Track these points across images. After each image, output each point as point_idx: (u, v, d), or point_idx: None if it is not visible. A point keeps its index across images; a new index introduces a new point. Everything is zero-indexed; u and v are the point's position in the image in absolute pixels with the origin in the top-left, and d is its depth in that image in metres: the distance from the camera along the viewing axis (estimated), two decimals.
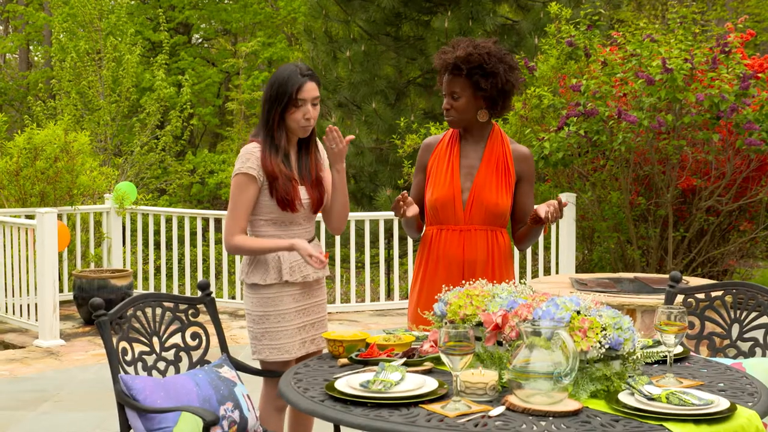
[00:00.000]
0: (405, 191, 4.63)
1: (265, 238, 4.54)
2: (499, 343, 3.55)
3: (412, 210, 4.60)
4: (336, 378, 3.55)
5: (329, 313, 9.28)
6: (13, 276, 10.11)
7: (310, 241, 4.67)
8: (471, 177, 4.68)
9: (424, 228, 4.88)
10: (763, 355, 4.63)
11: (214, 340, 4.52)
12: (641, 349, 3.65)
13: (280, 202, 4.49)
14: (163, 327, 4.37)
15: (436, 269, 4.74)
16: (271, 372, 4.58)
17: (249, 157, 4.51)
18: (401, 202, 4.53)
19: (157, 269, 11.90)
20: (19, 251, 9.92)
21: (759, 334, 4.69)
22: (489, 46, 4.60)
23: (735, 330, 4.78)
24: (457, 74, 4.59)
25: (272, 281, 4.55)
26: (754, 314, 4.70)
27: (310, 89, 4.49)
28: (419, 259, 4.86)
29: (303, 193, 4.56)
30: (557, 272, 10.83)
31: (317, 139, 4.72)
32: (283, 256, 4.56)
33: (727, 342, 4.82)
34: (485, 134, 4.74)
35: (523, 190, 4.77)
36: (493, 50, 4.59)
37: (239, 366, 4.46)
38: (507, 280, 4.08)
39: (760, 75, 9.69)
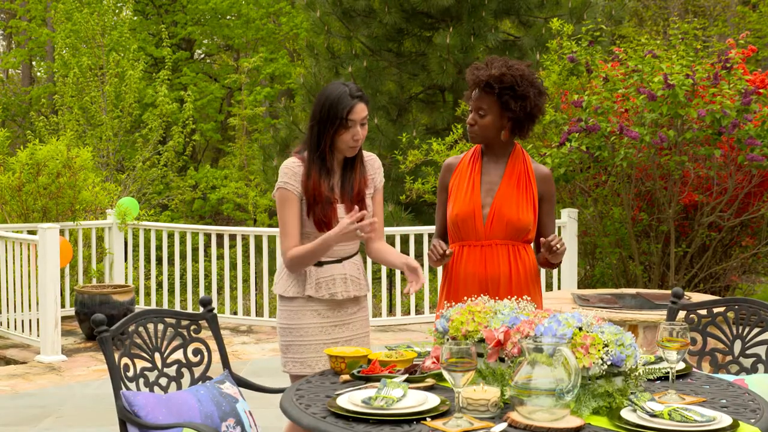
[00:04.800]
0: (448, 250, 4.62)
1: (309, 245, 4.47)
2: (501, 360, 3.54)
3: (446, 260, 4.67)
4: (338, 394, 3.54)
5: None
6: (15, 291, 10.10)
7: (347, 258, 4.64)
8: (492, 192, 4.67)
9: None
10: (766, 371, 4.62)
11: (216, 356, 4.51)
12: (643, 365, 3.65)
13: (317, 224, 4.47)
14: (164, 343, 4.36)
15: (458, 287, 4.71)
16: (274, 389, 4.56)
17: (287, 172, 4.50)
18: (440, 256, 4.61)
19: (159, 285, 11.91)
20: (21, 267, 9.92)
21: (761, 351, 4.68)
22: (522, 68, 4.61)
23: (737, 346, 4.77)
24: (488, 92, 4.58)
25: (294, 294, 4.53)
26: (756, 330, 4.69)
27: (360, 110, 4.45)
28: (443, 278, 4.84)
29: (341, 211, 4.51)
30: (559, 288, 10.84)
31: (363, 154, 4.67)
32: (311, 271, 4.53)
33: (729, 358, 4.82)
34: (507, 152, 4.74)
35: (544, 210, 4.76)
36: (526, 73, 4.60)
37: (241, 382, 4.45)
38: (530, 299, 4.03)
39: (761, 91, 9.70)
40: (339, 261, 4.58)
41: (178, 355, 4.42)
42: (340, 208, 4.52)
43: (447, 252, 4.58)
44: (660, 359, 3.96)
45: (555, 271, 11.05)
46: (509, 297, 4.16)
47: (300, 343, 4.53)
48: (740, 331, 4.73)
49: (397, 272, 11.16)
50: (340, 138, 4.45)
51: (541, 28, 14.28)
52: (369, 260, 11.18)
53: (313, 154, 4.50)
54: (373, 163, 4.70)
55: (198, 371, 4.46)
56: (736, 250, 10.96)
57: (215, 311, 4.64)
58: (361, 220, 4.36)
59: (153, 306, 11.54)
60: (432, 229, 10.79)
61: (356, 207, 4.48)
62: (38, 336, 9.55)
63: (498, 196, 4.64)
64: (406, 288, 4.33)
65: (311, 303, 4.54)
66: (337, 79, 14.94)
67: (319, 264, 4.53)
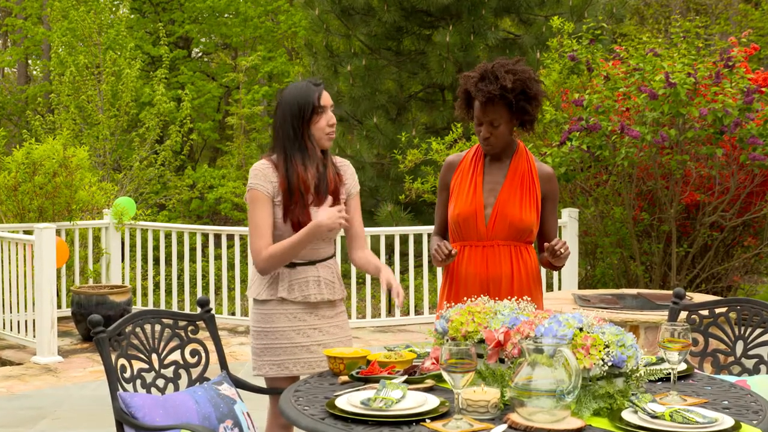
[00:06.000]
0: (453, 250, 4.58)
1: (292, 238, 4.44)
2: (501, 361, 3.52)
3: (451, 260, 4.63)
4: (337, 396, 3.52)
5: None
6: (10, 292, 10.07)
7: (327, 259, 4.62)
8: (495, 193, 4.65)
9: None
10: None
11: (214, 357, 4.49)
12: (644, 366, 3.63)
13: (295, 226, 4.45)
14: (162, 344, 4.34)
15: (459, 288, 4.69)
16: (273, 389, 4.54)
17: (257, 174, 4.48)
18: (445, 256, 4.56)
19: (156, 285, 11.86)
20: (17, 267, 9.88)
21: (764, 351, 4.68)
22: (522, 68, 4.57)
23: (739, 347, 4.75)
24: (499, 102, 4.53)
25: (267, 297, 4.51)
26: (758, 331, 4.68)
27: (327, 96, 4.53)
28: (444, 278, 4.83)
29: (314, 213, 4.49)
30: (560, 288, 10.81)
31: (335, 158, 4.68)
32: (283, 273, 4.51)
33: (731, 359, 4.80)
34: (510, 151, 4.72)
35: (547, 210, 4.75)
36: (529, 73, 4.57)
37: (239, 383, 4.42)
38: (531, 300, 4.00)
39: (763, 89, 9.67)
40: (312, 263, 4.55)
41: (176, 356, 4.40)
42: (314, 210, 4.49)
43: (452, 252, 4.55)
44: (661, 360, 3.94)
45: (556, 272, 11.01)
46: (510, 298, 4.13)
47: (276, 345, 4.51)
48: (742, 332, 4.71)
49: (396, 273, 11.11)
50: (316, 126, 4.48)
51: (542, 27, 14.25)
52: (339, 262, 11.16)
53: (292, 150, 4.48)
54: (346, 169, 4.72)
55: (195, 372, 4.44)
56: (738, 250, 10.94)
57: (213, 312, 4.62)
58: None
59: (150, 307, 11.51)
60: (430, 228, 10.75)
61: (341, 205, 4.49)
62: (34, 337, 9.52)
63: (501, 197, 4.62)
64: (396, 302, 4.32)
65: (284, 305, 4.51)
66: (336, 78, 15.04)
67: (292, 266, 4.51)
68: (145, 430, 3.86)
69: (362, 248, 4.74)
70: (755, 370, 4.66)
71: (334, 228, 4.44)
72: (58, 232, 10.90)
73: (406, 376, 3.74)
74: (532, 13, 14.87)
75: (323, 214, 4.38)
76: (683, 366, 3.95)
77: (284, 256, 4.43)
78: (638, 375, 3.42)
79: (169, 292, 11.79)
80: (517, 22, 15.46)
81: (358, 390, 3.60)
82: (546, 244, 4.49)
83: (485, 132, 4.60)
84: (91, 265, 11.62)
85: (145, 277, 11.89)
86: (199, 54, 27.52)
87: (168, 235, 11.81)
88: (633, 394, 3.37)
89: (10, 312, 10.14)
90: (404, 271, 11.98)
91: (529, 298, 4.00)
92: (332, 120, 4.53)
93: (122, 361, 4.12)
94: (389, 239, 11.89)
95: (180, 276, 12.59)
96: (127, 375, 4.12)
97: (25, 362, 9.32)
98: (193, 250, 11.63)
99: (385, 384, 3.44)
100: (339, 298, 4.66)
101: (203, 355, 4.44)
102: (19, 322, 9.99)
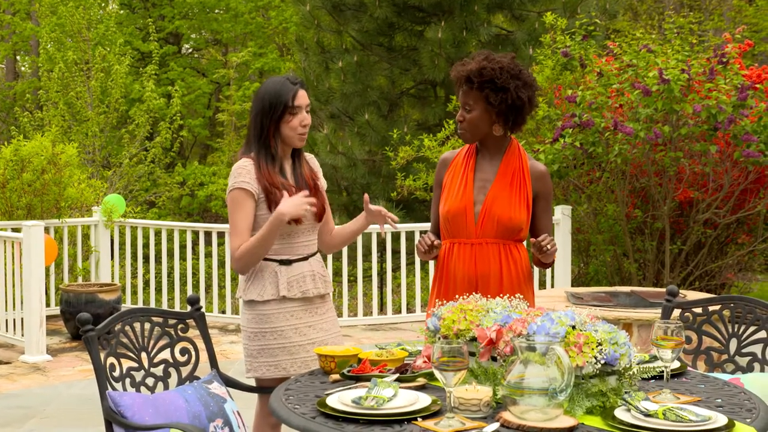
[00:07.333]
0: (436, 241, 4.60)
1: (258, 232, 4.40)
2: (494, 359, 3.50)
3: (435, 253, 4.65)
4: (327, 394, 3.50)
5: None
6: None
7: (312, 255, 4.62)
8: (485, 190, 4.62)
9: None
10: (762, 370, 4.61)
11: (204, 356, 4.47)
12: (638, 364, 3.62)
13: None
14: (151, 342, 4.32)
15: (448, 286, 4.67)
16: (264, 388, 4.52)
17: (241, 171, 4.45)
18: (428, 247, 4.59)
19: (146, 283, 11.83)
20: (5, 265, 9.83)
21: (757, 349, 4.65)
22: (503, 60, 4.56)
23: (733, 345, 4.74)
24: (471, 87, 4.54)
25: (269, 297, 4.47)
26: (752, 329, 4.67)
27: (303, 96, 4.49)
28: (435, 275, 4.81)
29: None
30: (552, 286, 10.80)
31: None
32: (281, 271, 4.49)
33: (725, 357, 4.78)
34: (502, 149, 4.68)
35: (540, 208, 4.71)
36: (506, 65, 4.54)
37: (229, 382, 4.40)
38: (523, 298, 3.97)
39: (758, 86, 9.66)
40: (305, 258, 4.56)
41: (165, 354, 4.38)
42: None
43: (435, 243, 4.53)
44: (654, 358, 3.94)
45: (548, 269, 10.99)
46: (501, 296, 4.09)
47: (273, 346, 4.49)
48: (736, 330, 4.70)
49: (389, 270, 11.07)
50: (288, 125, 4.46)
51: (535, 23, 14.23)
52: (346, 260, 11.12)
53: (258, 146, 4.49)
54: (314, 162, 4.76)
55: (185, 371, 4.42)
56: (731, 247, 10.93)
57: (203, 310, 4.61)
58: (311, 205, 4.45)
59: (140, 305, 11.47)
60: (423, 226, 10.72)
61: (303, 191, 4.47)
62: (23, 335, 9.48)
63: (490, 194, 4.59)
64: (382, 227, 4.55)
65: (285, 304, 4.50)
66: (327, 74, 15.01)
67: (288, 263, 4.50)
68: (134, 430, 3.84)
69: (332, 230, 4.80)
70: (749, 368, 4.66)
71: (300, 216, 4.40)
72: (46, 230, 10.85)
73: (397, 375, 3.73)
74: (524, 9, 14.85)
75: (285, 204, 4.34)
76: (676, 364, 3.95)
77: (254, 252, 4.40)
78: (631, 373, 3.41)
79: (158, 290, 11.76)
80: (509, 18, 15.44)
81: (350, 388, 3.58)
82: (532, 240, 4.46)
83: (459, 115, 4.64)
84: (80, 263, 11.58)
85: (134, 275, 11.86)
86: (190, 50, 27.50)
87: (158, 233, 11.77)
88: (626, 392, 3.36)
89: None
90: (396, 268, 11.94)
91: (521, 296, 3.98)
92: (306, 120, 4.50)
93: (111, 359, 4.10)
94: (381, 237, 11.86)
95: (170, 274, 12.57)
96: (117, 374, 4.10)
97: (13, 361, 9.28)
98: (183, 247, 11.59)
99: (377, 382, 3.42)
100: (329, 292, 4.69)
101: (193, 353, 4.42)
102: (7, 320, 9.95)
